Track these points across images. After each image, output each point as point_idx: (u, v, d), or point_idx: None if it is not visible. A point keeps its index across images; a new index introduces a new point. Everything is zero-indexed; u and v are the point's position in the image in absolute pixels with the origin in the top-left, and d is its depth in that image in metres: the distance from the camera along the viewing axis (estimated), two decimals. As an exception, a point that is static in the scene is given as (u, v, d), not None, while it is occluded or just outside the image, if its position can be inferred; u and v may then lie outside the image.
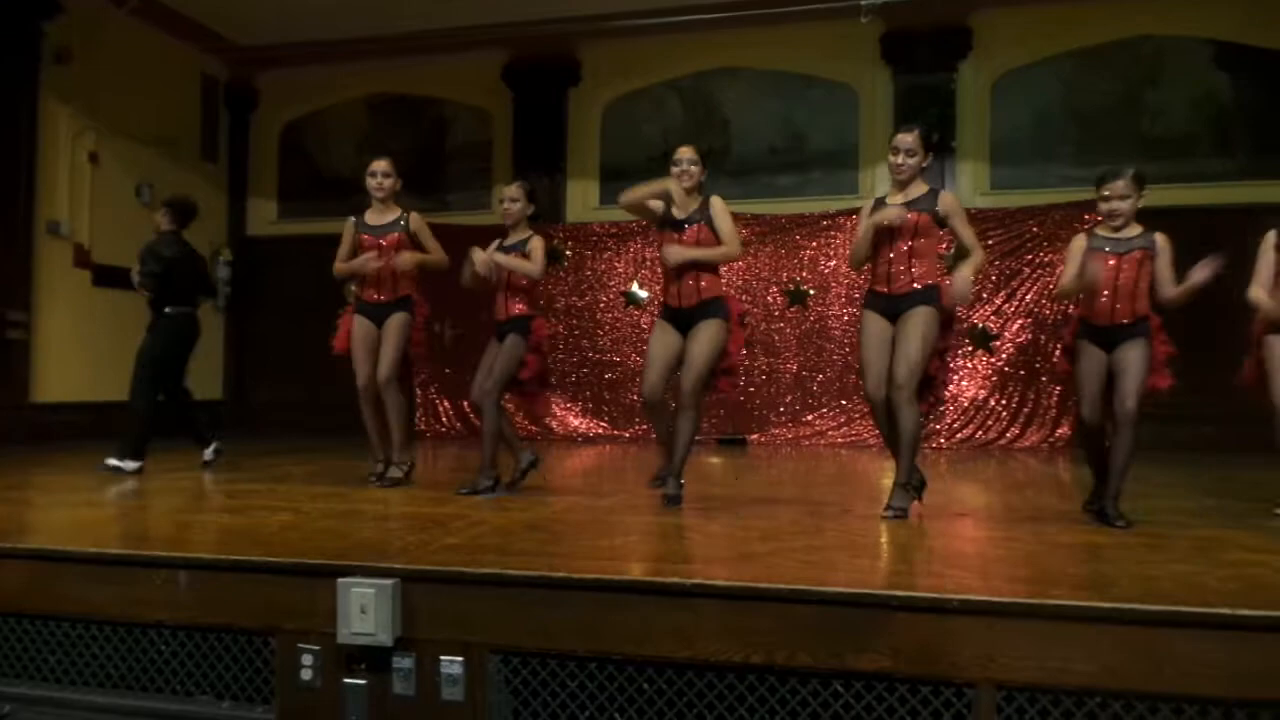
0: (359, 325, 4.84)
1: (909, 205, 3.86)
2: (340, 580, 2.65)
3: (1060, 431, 8.32)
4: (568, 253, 9.38)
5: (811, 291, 8.85)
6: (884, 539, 3.49)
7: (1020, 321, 8.44)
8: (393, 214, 4.91)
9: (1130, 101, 8.56)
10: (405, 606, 2.66)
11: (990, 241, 8.21)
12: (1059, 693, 2.36)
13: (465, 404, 9.52)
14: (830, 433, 8.72)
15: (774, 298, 8.95)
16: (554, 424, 9.30)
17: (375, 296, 4.84)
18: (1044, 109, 8.75)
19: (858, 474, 6.06)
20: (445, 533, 3.33)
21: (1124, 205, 3.77)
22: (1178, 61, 8.50)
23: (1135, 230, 3.83)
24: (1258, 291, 4.27)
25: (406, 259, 4.77)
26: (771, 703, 2.52)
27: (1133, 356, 3.69)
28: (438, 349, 9.58)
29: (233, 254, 10.12)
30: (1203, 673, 2.28)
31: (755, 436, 8.84)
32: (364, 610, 2.62)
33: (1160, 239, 3.81)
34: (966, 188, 8.87)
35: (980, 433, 8.44)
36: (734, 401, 8.98)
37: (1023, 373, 8.39)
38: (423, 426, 9.59)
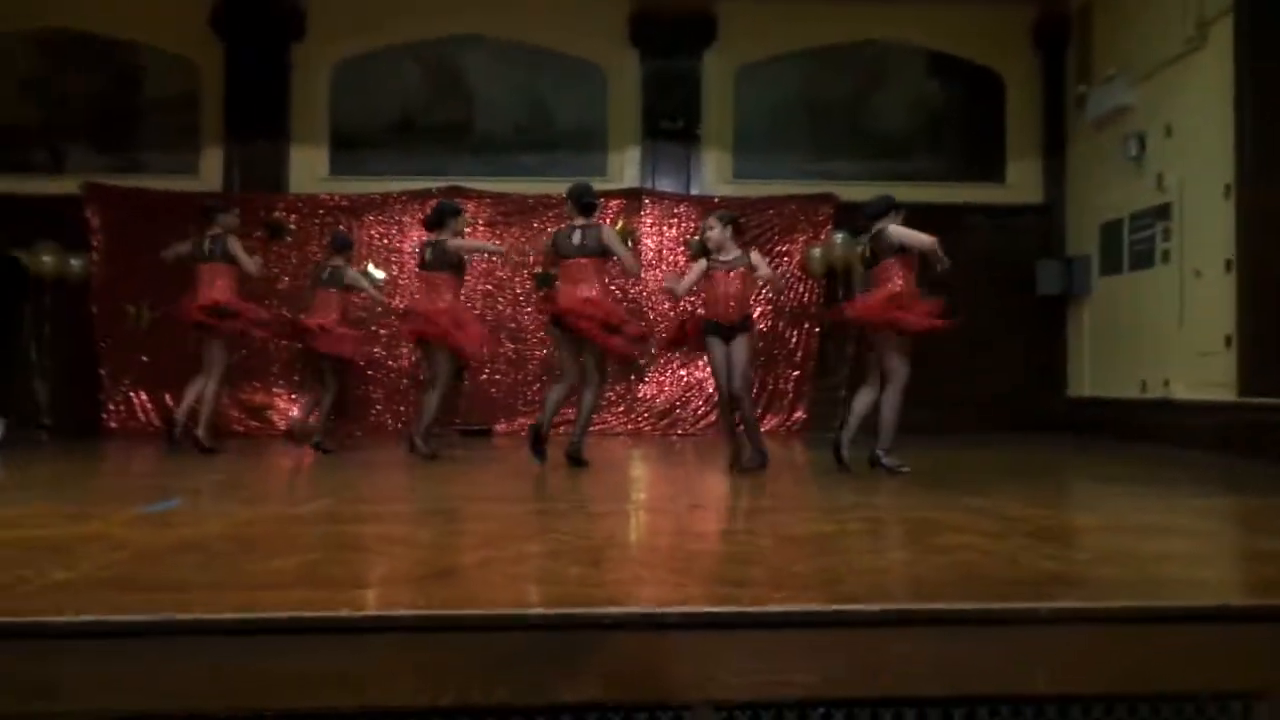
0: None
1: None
2: None
3: (796, 415, 8.62)
4: (291, 227, 8.42)
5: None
6: (611, 540, 3.19)
7: (760, 309, 8.64)
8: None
9: (858, 101, 9.01)
10: (-34, 673, 1.97)
11: (733, 229, 8.28)
12: (780, 707, 2.14)
13: (168, 396, 8.30)
14: (578, 421, 8.48)
15: (520, 282, 8.55)
16: (275, 416, 8.34)
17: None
18: (782, 102, 9.00)
19: (602, 462, 5.80)
20: (62, 564, 2.60)
21: (714, 234, 5.19)
22: (897, 66, 9.07)
23: (735, 252, 5.18)
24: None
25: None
26: (465, 749, 2.11)
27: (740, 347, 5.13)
28: (133, 332, 8.31)
29: None
30: (919, 672, 2.15)
31: (501, 426, 8.40)
32: (-107, 685, 1.90)
33: (755, 255, 5.25)
34: (711, 176, 8.94)
35: (723, 419, 8.54)
36: (478, 389, 8.50)
37: (762, 359, 8.58)
38: (115, 425, 8.27)
